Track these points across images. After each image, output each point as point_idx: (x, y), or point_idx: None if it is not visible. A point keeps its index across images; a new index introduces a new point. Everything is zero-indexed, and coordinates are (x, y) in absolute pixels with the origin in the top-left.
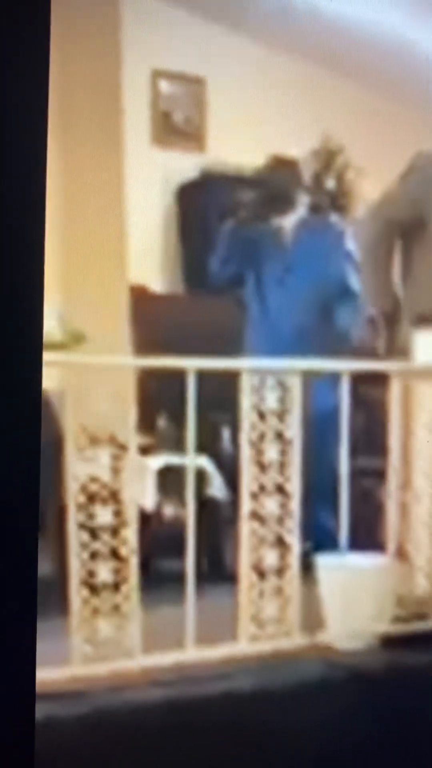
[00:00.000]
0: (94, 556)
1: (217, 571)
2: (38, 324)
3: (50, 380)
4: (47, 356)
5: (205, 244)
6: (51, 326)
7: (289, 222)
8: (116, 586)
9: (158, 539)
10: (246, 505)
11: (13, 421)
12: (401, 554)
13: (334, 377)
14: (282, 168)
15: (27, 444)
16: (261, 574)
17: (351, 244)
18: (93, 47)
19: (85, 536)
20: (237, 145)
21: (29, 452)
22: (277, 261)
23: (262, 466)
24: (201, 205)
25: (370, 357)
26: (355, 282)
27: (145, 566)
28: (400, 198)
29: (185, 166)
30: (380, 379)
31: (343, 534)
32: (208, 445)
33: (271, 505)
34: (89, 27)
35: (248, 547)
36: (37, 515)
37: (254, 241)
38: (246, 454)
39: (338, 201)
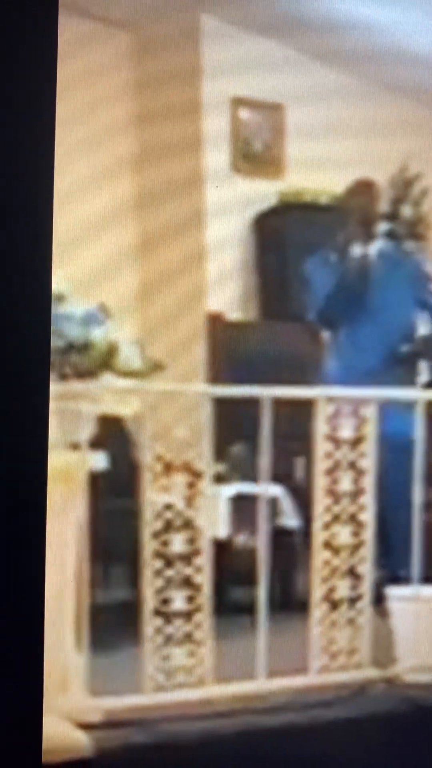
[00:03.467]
0: (168, 583)
1: (289, 600)
2: (46, 334)
3: (129, 408)
4: (125, 383)
5: (283, 272)
6: (130, 355)
7: (371, 250)
8: (189, 615)
9: (231, 568)
10: (319, 535)
11: (19, 430)
12: None
13: (409, 407)
14: (362, 194)
15: (33, 460)
16: (333, 604)
17: (429, 271)
18: (173, 75)
19: (159, 564)
20: (315, 172)
21: (35, 467)
22: (361, 290)
23: (336, 496)
24: (279, 233)
25: None
26: None
27: (217, 595)
28: None
29: (264, 193)
30: None
31: (416, 565)
32: (281, 473)
33: (344, 534)
34: (170, 55)
35: (320, 577)
36: (44, 526)
37: (343, 279)
38: (319, 483)
39: (415, 229)
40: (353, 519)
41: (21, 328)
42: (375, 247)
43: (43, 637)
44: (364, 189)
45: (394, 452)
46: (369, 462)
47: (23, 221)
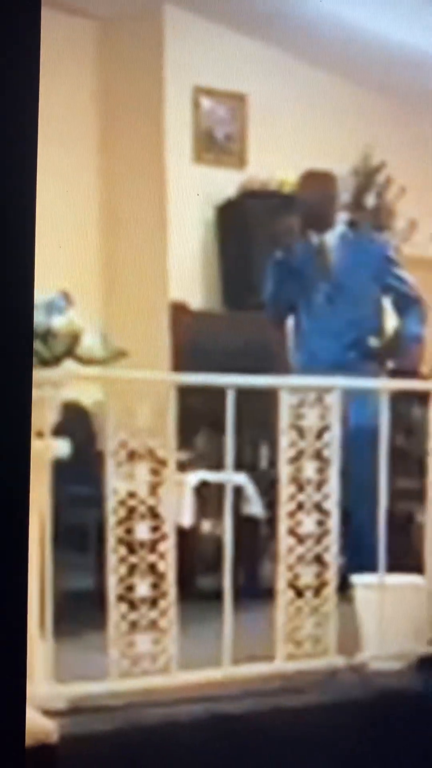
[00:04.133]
0: (132, 571)
1: (255, 588)
2: (28, 323)
3: (91, 396)
4: (88, 371)
5: (245, 262)
6: (93, 343)
7: (329, 239)
8: (154, 602)
9: (196, 555)
10: (284, 523)
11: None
12: None
13: (373, 396)
14: (317, 184)
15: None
16: (298, 592)
17: (393, 260)
18: (136, 64)
19: (123, 551)
20: (278, 162)
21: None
22: (322, 279)
23: (300, 484)
24: (241, 222)
25: (411, 376)
26: (397, 300)
27: (182, 582)
28: None
29: (226, 182)
30: (421, 399)
31: (381, 554)
32: (246, 462)
33: (308, 523)
34: (132, 45)
35: (285, 564)
36: (26, 526)
37: (300, 268)
38: (284, 471)
39: (379, 218)
40: (318, 507)
41: (2, 317)
42: (335, 236)
43: (26, 625)
44: (315, 180)
45: (359, 441)
46: (333, 451)
47: (3, 214)
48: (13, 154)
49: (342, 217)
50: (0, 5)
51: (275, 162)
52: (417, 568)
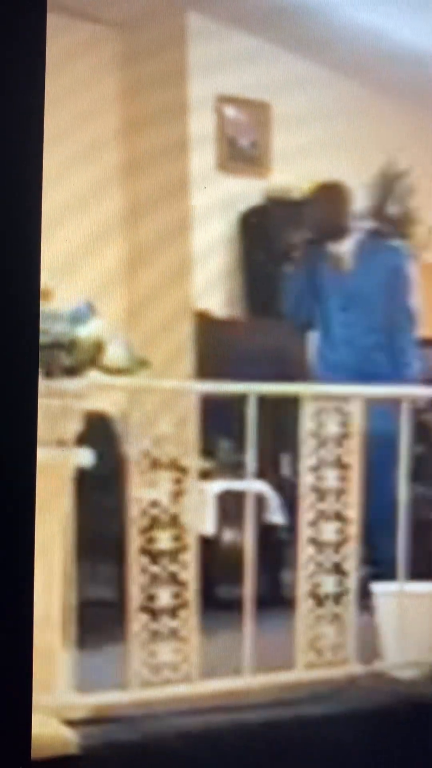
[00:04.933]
0: (154, 580)
1: (276, 597)
2: (34, 332)
3: (115, 405)
4: (112, 380)
5: (269, 269)
6: (117, 352)
7: (345, 248)
8: (175, 611)
9: (218, 564)
10: (304, 531)
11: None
12: None
13: (394, 403)
14: (329, 195)
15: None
16: (319, 600)
17: (413, 270)
18: (160, 73)
19: (145, 560)
20: (301, 170)
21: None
22: (339, 289)
23: (322, 493)
24: (264, 231)
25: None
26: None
27: (204, 591)
28: None
29: (249, 191)
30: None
31: (401, 562)
32: (267, 470)
33: (329, 531)
34: (156, 53)
35: (306, 573)
36: (33, 523)
37: (316, 279)
38: (305, 480)
39: (401, 227)
40: (338, 515)
41: (9, 326)
42: (355, 245)
43: (32, 634)
44: (327, 191)
45: (379, 449)
46: (354, 458)
47: (12, 219)
48: (19, 162)
49: (363, 225)
50: (6, 10)
51: (299, 170)
52: None
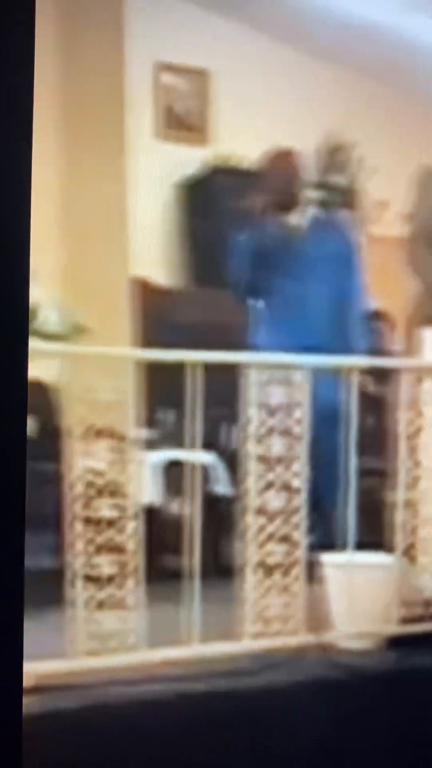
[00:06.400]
0: (97, 549)
1: (223, 567)
2: (23, 311)
3: (51, 372)
4: (48, 346)
5: (212, 238)
6: (52, 318)
7: (298, 219)
8: (121, 580)
9: (163, 535)
10: (252, 501)
11: None
12: (408, 554)
13: (341, 374)
14: (280, 162)
15: (12, 436)
16: (267, 570)
17: (361, 241)
18: (97, 40)
19: (86, 529)
20: (242, 138)
21: (15, 445)
22: (290, 259)
23: (268, 462)
24: (205, 200)
25: (379, 354)
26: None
27: (150, 561)
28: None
29: (188, 159)
30: (388, 377)
31: (350, 532)
32: (212, 440)
33: (277, 501)
34: (93, 19)
35: (254, 543)
36: (23, 507)
37: (266, 249)
38: (252, 450)
39: (348, 198)
40: (286, 485)
41: None
42: (304, 216)
43: (23, 617)
44: (278, 158)
45: (326, 419)
46: (302, 429)
47: None
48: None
49: (311, 196)
50: None
51: (240, 139)
52: (386, 546)
